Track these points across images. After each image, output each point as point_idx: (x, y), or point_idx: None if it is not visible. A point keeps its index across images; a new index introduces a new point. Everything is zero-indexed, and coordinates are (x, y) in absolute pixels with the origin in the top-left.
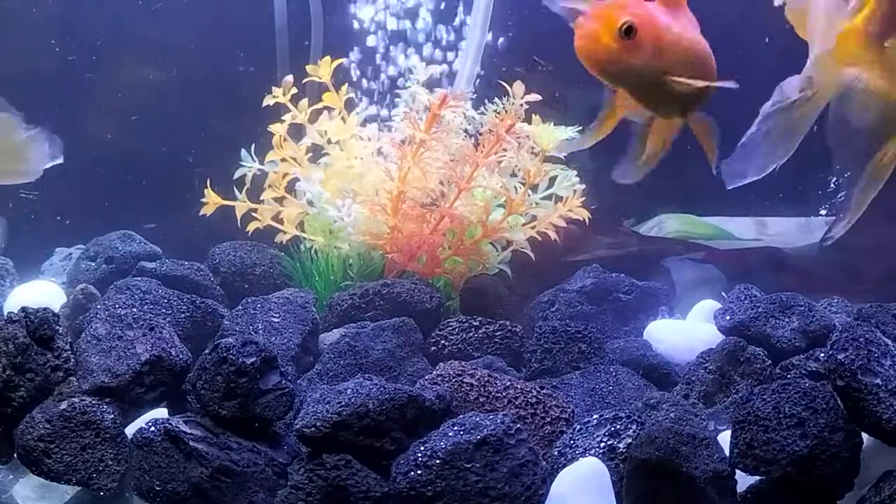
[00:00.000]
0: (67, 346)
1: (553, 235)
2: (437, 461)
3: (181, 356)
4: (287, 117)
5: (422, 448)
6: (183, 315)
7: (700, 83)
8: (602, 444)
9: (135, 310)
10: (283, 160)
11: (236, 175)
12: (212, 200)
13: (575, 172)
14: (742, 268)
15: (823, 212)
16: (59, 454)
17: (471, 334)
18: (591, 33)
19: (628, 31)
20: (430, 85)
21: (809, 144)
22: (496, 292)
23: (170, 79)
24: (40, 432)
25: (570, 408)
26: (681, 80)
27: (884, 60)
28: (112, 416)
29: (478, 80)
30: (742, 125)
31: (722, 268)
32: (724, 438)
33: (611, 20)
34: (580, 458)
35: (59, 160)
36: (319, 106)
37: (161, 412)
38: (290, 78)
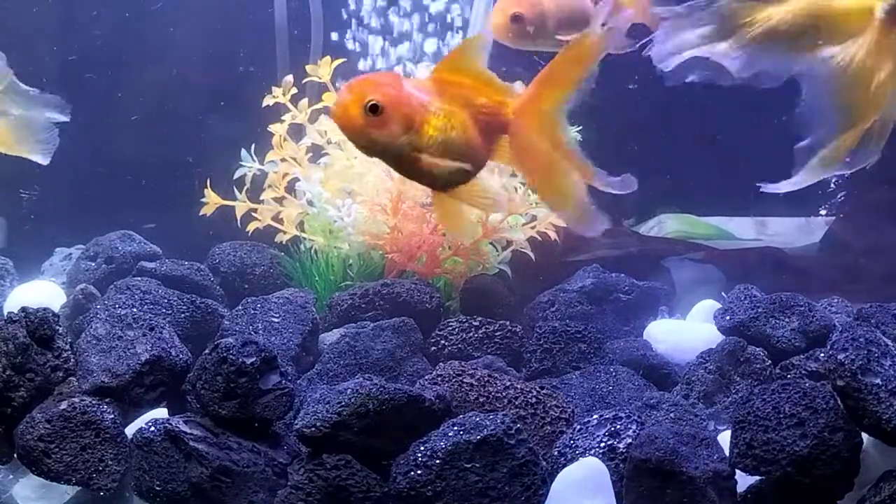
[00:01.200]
0: (67, 346)
1: (553, 235)
2: (437, 461)
3: (181, 356)
4: (287, 117)
5: (422, 448)
6: (183, 315)
7: (453, 165)
8: (602, 444)
9: (135, 310)
10: (283, 160)
11: (236, 175)
12: (212, 200)
13: None
14: (742, 268)
15: (823, 212)
16: (59, 454)
17: (471, 334)
18: (342, 103)
19: (374, 109)
20: None
21: None
22: (496, 292)
23: (170, 79)
24: (40, 432)
25: (570, 408)
26: (434, 161)
27: (887, 43)
28: (112, 416)
29: None
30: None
31: (722, 268)
32: (724, 438)
33: (361, 95)
34: (580, 458)
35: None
36: (319, 106)
37: (161, 412)
38: (290, 78)
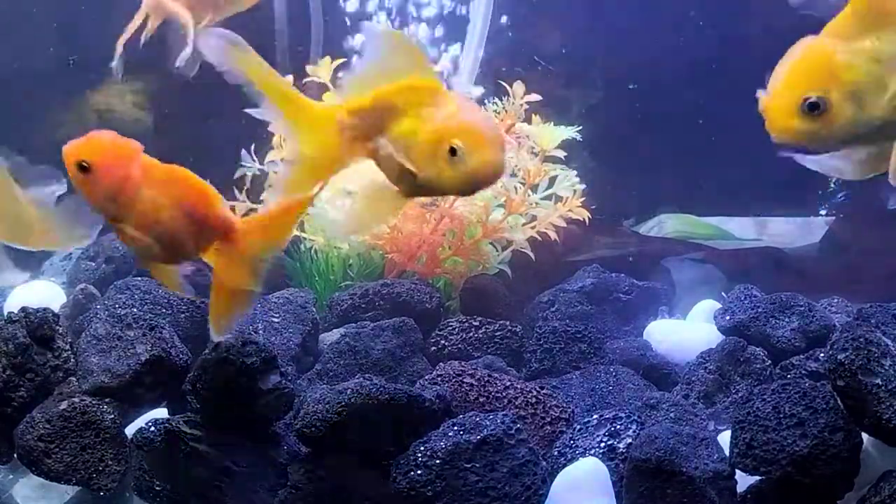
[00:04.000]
0: (67, 346)
1: (553, 235)
2: (437, 461)
3: (181, 356)
4: None
5: (422, 448)
6: (183, 315)
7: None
8: (602, 444)
9: (135, 310)
10: (284, 160)
11: (236, 175)
12: None
13: (575, 172)
14: (742, 268)
15: (823, 212)
16: (59, 454)
17: (471, 334)
18: (69, 149)
19: (83, 169)
20: None
21: None
22: (496, 292)
23: (170, 79)
24: (40, 432)
25: (570, 408)
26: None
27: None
28: (112, 416)
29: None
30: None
31: (722, 268)
32: (724, 438)
33: (77, 151)
34: (580, 458)
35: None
36: None
37: (161, 412)
38: (290, 78)
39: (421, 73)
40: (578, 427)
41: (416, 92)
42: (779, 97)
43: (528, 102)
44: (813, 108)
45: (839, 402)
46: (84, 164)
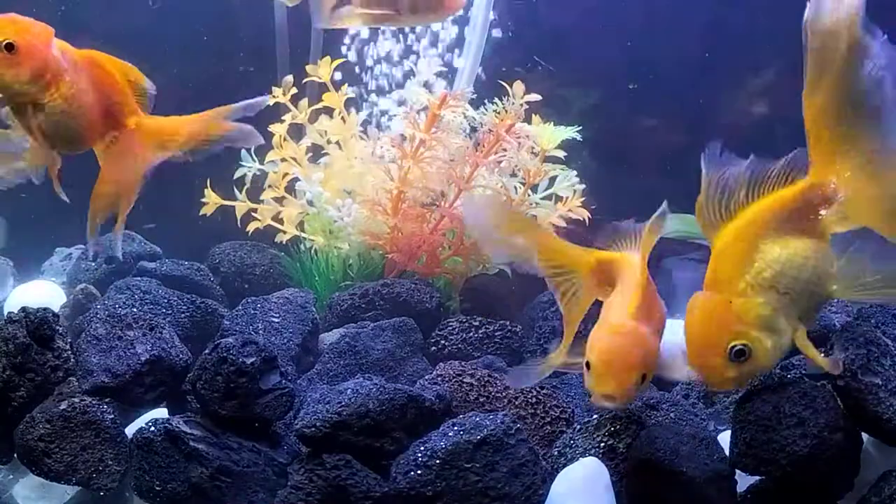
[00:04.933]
0: (67, 346)
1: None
2: (437, 461)
3: (181, 356)
4: (287, 117)
5: (422, 448)
6: (183, 315)
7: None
8: (602, 444)
9: (135, 310)
10: (283, 160)
11: (236, 175)
12: (212, 200)
13: (575, 172)
14: None
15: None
16: (59, 454)
17: (471, 334)
18: None
19: (9, 47)
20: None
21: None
22: (496, 292)
23: (170, 78)
24: (40, 432)
25: (570, 408)
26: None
27: None
28: (112, 416)
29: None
30: None
31: None
32: (724, 438)
33: (11, 27)
34: (580, 458)
35: None
36: (319, 106)
37: (161, 412)
38: (289, 78)
39: (643, 248)
40: (578, 427)
41: (629, 266)
42: (705, 360)
43: (527, 102)
44: (740, 356)
45: (839, 402)
46: (9, 43)
